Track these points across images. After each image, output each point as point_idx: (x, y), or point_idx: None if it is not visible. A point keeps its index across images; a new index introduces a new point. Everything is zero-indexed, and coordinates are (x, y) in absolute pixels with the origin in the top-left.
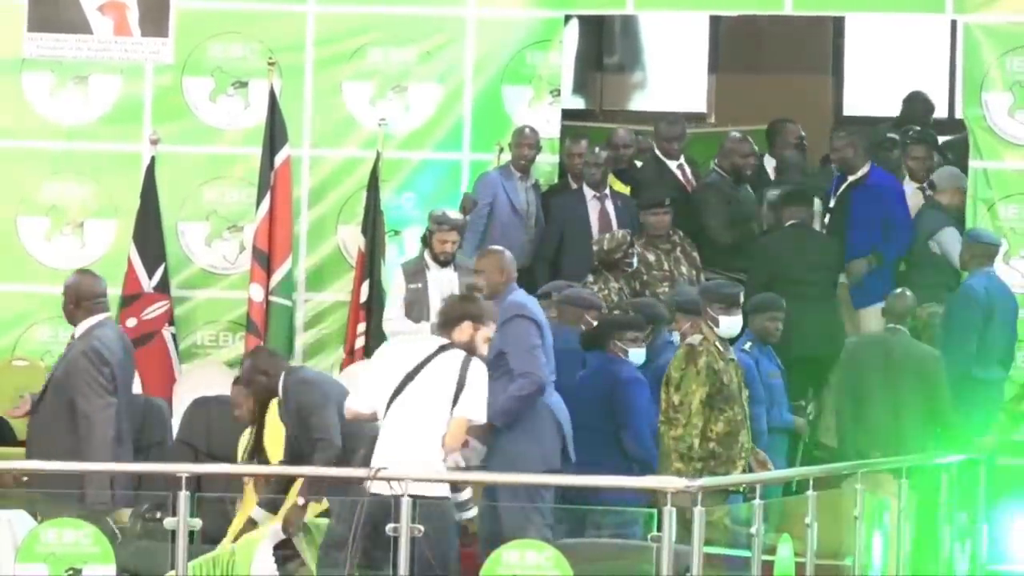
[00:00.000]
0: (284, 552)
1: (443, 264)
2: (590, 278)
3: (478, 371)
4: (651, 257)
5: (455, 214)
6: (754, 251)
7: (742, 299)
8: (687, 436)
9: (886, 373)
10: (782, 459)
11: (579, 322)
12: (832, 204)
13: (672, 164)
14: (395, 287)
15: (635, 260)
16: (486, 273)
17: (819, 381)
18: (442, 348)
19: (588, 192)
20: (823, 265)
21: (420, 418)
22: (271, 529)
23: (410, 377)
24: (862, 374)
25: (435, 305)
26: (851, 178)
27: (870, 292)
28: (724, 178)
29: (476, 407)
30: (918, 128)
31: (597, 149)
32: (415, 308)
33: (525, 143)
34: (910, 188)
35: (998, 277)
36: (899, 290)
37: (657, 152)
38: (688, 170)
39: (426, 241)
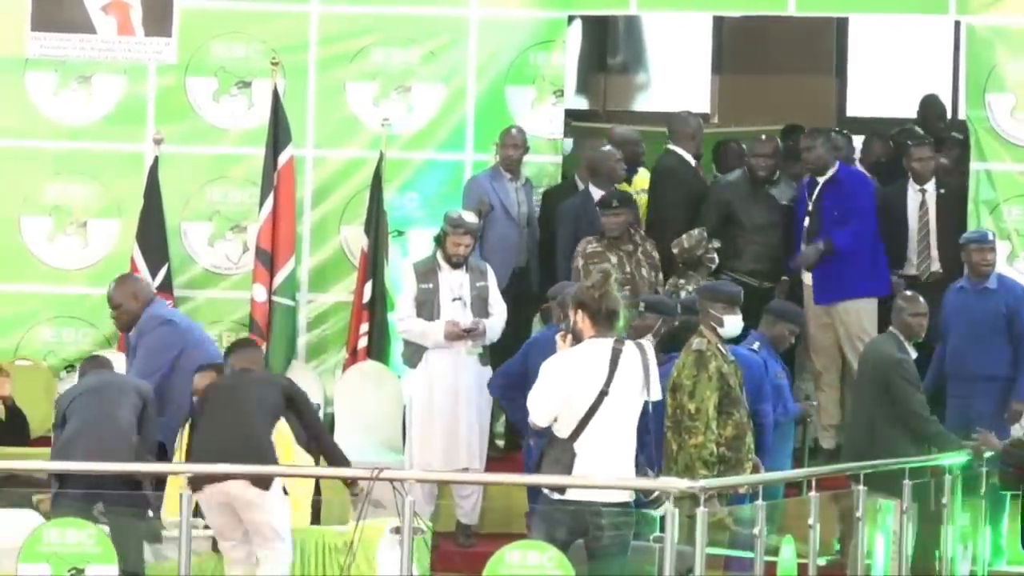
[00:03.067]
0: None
1: (455, 266)
2: (674, 279)
3: (651, 352)
4: (613, 259)
5: (471, 217)
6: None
7: (742, 298)
8: (708, 443)
9: (859, 378)
10: (788, 457)
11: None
12: (811, 207)
13: (693, 161)
14: (406, 286)
15: (716, 256)
16: (125, 305)
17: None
18: (617, 348)
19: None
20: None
21: (617, 432)
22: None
23: (604, 392)
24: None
25: (445, 306)
26: (822, 179)
27: (832, 288)
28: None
29: (655, 389)
30: (918, 130)
31: (607, 147)
32: (426, 308)
33: (511, 143)
34: (912, 190)
35: None
36: (909, 293)
37: (676, 149)
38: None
39: (439, 242)
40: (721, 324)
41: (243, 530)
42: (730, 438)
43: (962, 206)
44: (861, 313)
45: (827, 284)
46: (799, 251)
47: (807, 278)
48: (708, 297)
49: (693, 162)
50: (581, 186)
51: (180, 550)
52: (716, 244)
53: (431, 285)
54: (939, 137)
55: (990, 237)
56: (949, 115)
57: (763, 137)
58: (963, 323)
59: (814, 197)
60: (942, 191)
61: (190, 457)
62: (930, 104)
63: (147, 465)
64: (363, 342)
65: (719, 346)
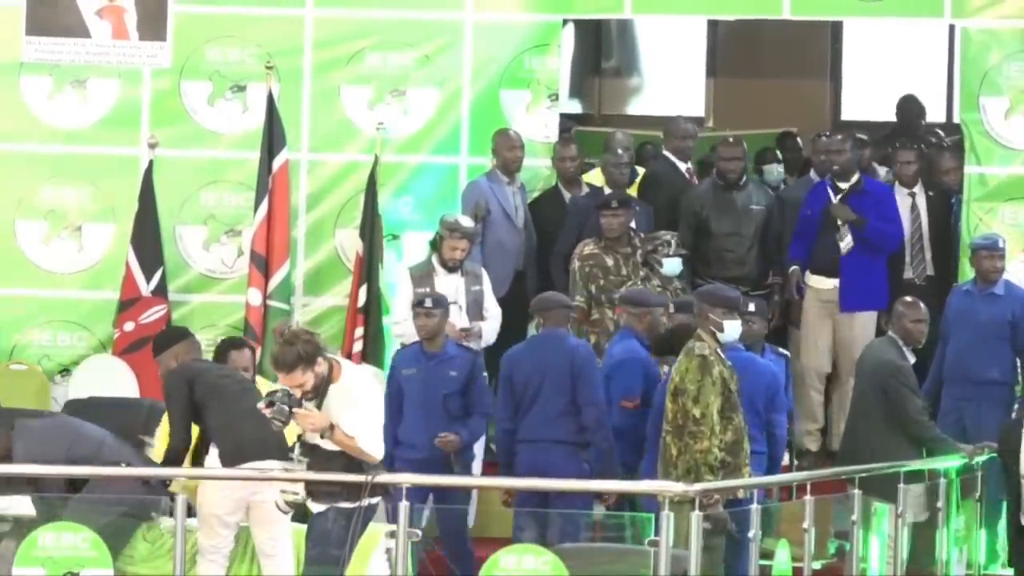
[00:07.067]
0: None
1: (451, 270)
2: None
3: None
4: (609, 261)
5: (467, 222)
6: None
7: (740, 303)
8: (713, 447)
9: (857, 382)
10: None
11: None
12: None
13: (682, 166)
14: (402, 290)
15: (665, 262)
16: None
17: None
18: None
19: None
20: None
21: None
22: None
23: None
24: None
25: None
26: (846, 185)
27: (863, 297)
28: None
29: None
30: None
31: (620, 150)
32: None
33: (515, 145)
34: (900, 195)
35: None
36: (909, 299)
37: (667, 153)
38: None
39: (435, 246)
40: (721, 329)
41: (235, 532)
42: (729, 443)
43: (946, 207)
44: (868, 323)
45: (856, 291)
46: (798, 252)
47: (817, 282)
48: (708, 301)
49: (683, 167)
50: (567, 194)
51: (176, 551)
52: (676, 250)
53: (427, 289)
54: (920, 137)
55: (1000, 244)
56: (944, 118)
57: (730, 139)
58: (967, 327)
59: (835, 203)
60: (931, 194)
61: (219, 438)
62: (908, 103)
63: (142, 469)
64: (358, 346)
65: (718, 351)
